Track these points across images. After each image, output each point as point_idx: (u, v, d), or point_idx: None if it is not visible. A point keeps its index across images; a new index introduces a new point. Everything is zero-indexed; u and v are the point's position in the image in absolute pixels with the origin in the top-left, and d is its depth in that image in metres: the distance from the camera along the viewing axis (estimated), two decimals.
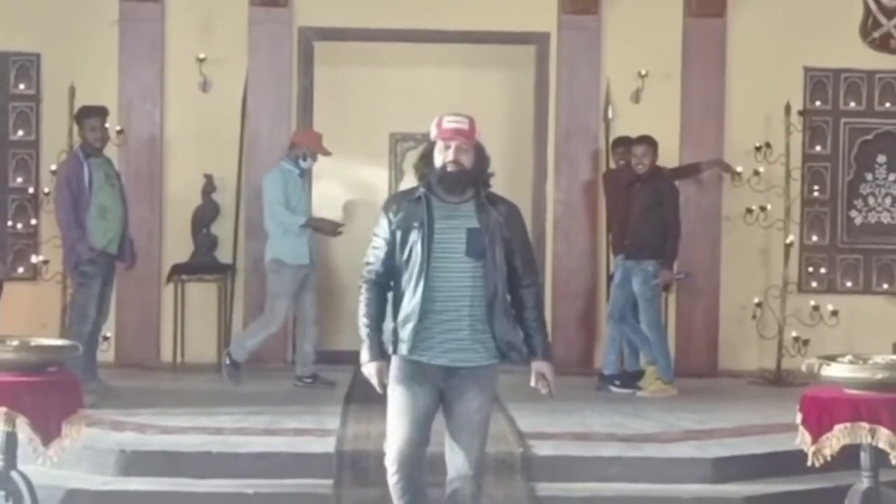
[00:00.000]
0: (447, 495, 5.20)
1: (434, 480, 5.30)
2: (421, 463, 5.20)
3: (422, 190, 5.23)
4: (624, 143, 9.95)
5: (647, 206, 9.46)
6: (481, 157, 5.24)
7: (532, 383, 5.26)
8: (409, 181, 8.60)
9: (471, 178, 5.21)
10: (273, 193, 9.32)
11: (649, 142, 9.63)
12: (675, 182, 9.74)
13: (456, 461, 5.19)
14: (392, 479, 5.18)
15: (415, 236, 5.15)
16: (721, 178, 10.55)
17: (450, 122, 5.22)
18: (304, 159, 9.44)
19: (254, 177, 10.55)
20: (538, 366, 5.27)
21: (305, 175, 9.59)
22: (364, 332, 5.23)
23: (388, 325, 5.22)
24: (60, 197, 8.98)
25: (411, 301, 5.13)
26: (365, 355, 5.22)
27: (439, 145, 5.21)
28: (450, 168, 5.16)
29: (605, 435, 7.73)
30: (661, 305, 9.78)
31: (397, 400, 5.20)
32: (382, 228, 5.25)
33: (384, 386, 5.20)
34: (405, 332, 5.14)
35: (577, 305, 10.30)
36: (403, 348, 5.16)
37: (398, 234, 5.19)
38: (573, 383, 9.53)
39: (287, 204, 9.26)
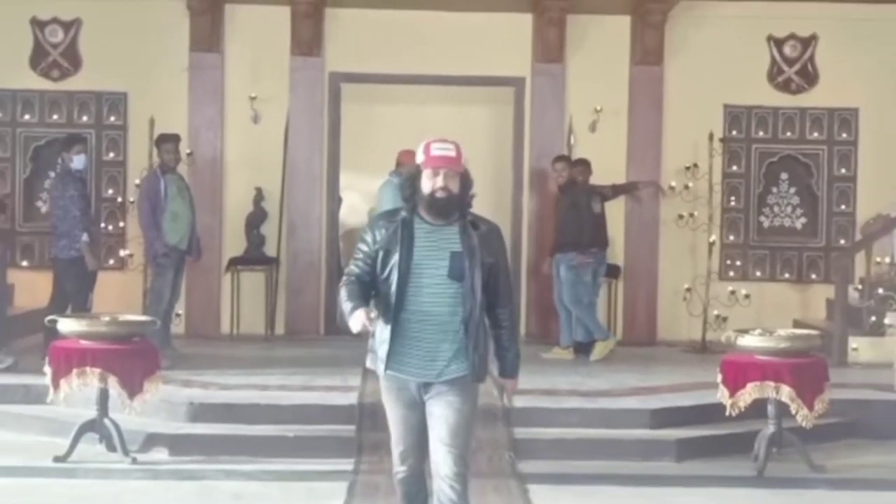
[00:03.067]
0: (434, 496, 4.32)
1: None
2: (424, 460, 4.41)
3: (403, 213, 4.34)
4: (581, 162, 9.89)
5: (566, 210, 9.43)
6: (466, 182, 4.36)
7: (496, 392, 4.60)
8: None
9: (458, 203, 4.33)
10: (386, 201, 9.22)
11: (566, 160, 9.71)
12: (589, 192, 9.60)
13: (439, 464, 4.25)
14: (396, 469, 4.46)
15: (395, 258, 4.26)
16: (657, 193, 10.54)
17: (438, 150, 4.33)
18: None
19: (294, 189, 10.58)
20: (504, 381, 4.57)
21: None
22: (347, 305, 4.24)
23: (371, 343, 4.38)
24: (142, 205, 8.96)
25: (387, 323, 4.27)
26: (348, 309, 4.21)
27: (427, 172, 4.30)
28: (438, 195, 4.27)
29: (567, 391, 7.73)
30: (581, 286, 9.37)
31: (393, 414, 4.41)
32: (366, 244, 4.35)
33: (370, 320, 4.15)
34: (382, 351, 4.28)
35: (545, 291, 10.22)
36: (381, 367, 4.30)
37: (380, 254, 4.30)
38: (543, 351, 9.51)
39: None
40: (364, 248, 4.35)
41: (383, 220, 4.38)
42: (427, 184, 4.29)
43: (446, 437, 4.24)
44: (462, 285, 4.26)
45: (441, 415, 4.27)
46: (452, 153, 4.33)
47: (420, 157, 4.35)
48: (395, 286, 4.24)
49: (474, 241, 4.30)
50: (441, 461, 4.24)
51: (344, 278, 4.40)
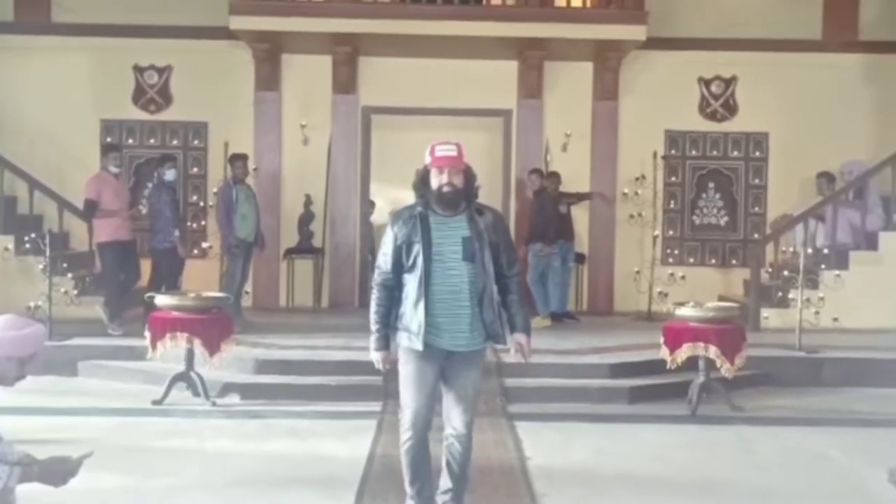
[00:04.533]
0: (445, 447, 4.12)
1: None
2: (430, 423, 4.09)
3: (419, 208, 4.01)
4: (553, 174, 9.86)
5: (536, 211, 9.42)
6: (469, 176, 4.03)
7: (511, 351, 4.14)
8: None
9: (463, 195, 4.00)
10: None
11: (538, 172, 9.72)
12: (556, 197, 9.56)
13: (453, 422, 4.05)
14: (405, 436, 4.06)
15: (417, 247, 3.93)
16: (604, 200, 10.51)
17: (441, 151, 3.99)
18: None
19: (335, 196, 10.53)
20: (517, 337, 4.13)
21: None
22: (374, 327, 4.08)
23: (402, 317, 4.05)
24: (218, 208, 8.98)
25: (419, 302, 3.93)
26: (372, 345, 4.10)
27: (434, 171, 3.97)
28: (445, 189, 3.95)
29: (544, 350, 7.61)
30: (550, 270, 9.38)
31: (410, 375, 4.03)
32: (389, 239, 4.03)
33: (386, 369, 4.13)
34: (414, 326, 3.95)
35: (523, 274, 10.20)
36: (416, 342, 3.95)
37: (403, 246, 3.97)
38: None
39: None
40: (389, 242, 4.04)
41: (402, 216, 4.04)
42: (434, 181, 3.97)
43: (461, 403, 4.05)
44: (475, 265, 3.95)
45: (460, 386, 4.04)
46: (454, 152, 4.00)
47: (427, 158, 4.03)
48: (422, 272, 3.92)
49: (481, 226, 4.00)
50: (454, 421, 4.06)
51: (376, 274, 4.11)
